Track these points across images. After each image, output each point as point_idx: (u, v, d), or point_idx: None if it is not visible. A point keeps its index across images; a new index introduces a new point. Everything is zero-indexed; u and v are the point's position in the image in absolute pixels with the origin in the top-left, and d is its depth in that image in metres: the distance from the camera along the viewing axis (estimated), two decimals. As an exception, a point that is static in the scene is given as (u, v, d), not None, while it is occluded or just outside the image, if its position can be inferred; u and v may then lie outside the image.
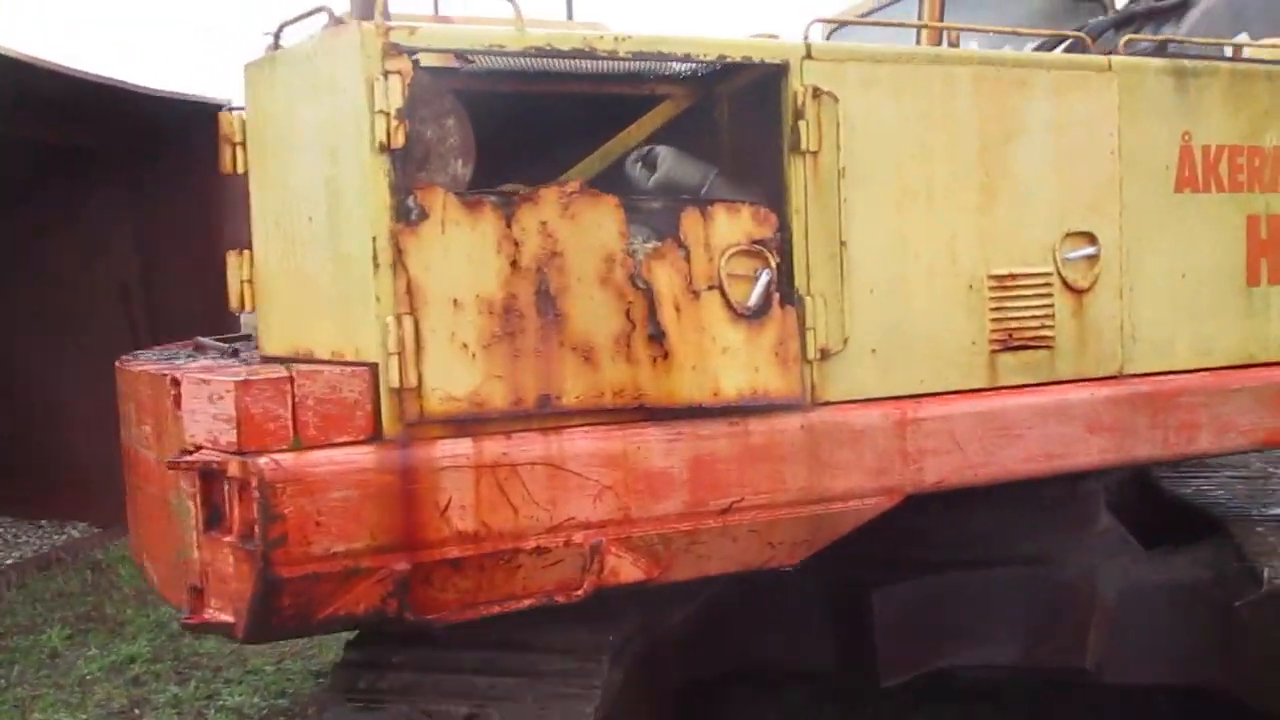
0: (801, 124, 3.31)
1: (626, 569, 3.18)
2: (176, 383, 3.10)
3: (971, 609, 4.33)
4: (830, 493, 3.38)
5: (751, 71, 3.40)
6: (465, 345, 2.98)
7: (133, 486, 3.76)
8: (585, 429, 3.11)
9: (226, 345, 4.03)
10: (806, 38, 3.39)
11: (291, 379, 2.88)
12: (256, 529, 2.80)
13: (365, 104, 2.91)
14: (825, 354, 3.37)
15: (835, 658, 4.44)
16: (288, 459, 2.84)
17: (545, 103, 3.65)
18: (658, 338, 3.13)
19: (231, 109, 4.77)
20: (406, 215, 2.94)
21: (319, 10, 3.12)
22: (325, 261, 3.09)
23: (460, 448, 2.97)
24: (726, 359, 3.22)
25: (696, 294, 3.20)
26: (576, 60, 3.23)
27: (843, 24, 5.82)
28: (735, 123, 3.74)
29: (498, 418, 3.03)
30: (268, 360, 3.33)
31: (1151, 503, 5.05)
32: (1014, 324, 3.63)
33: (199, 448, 3.00)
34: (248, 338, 5.02)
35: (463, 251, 2.98)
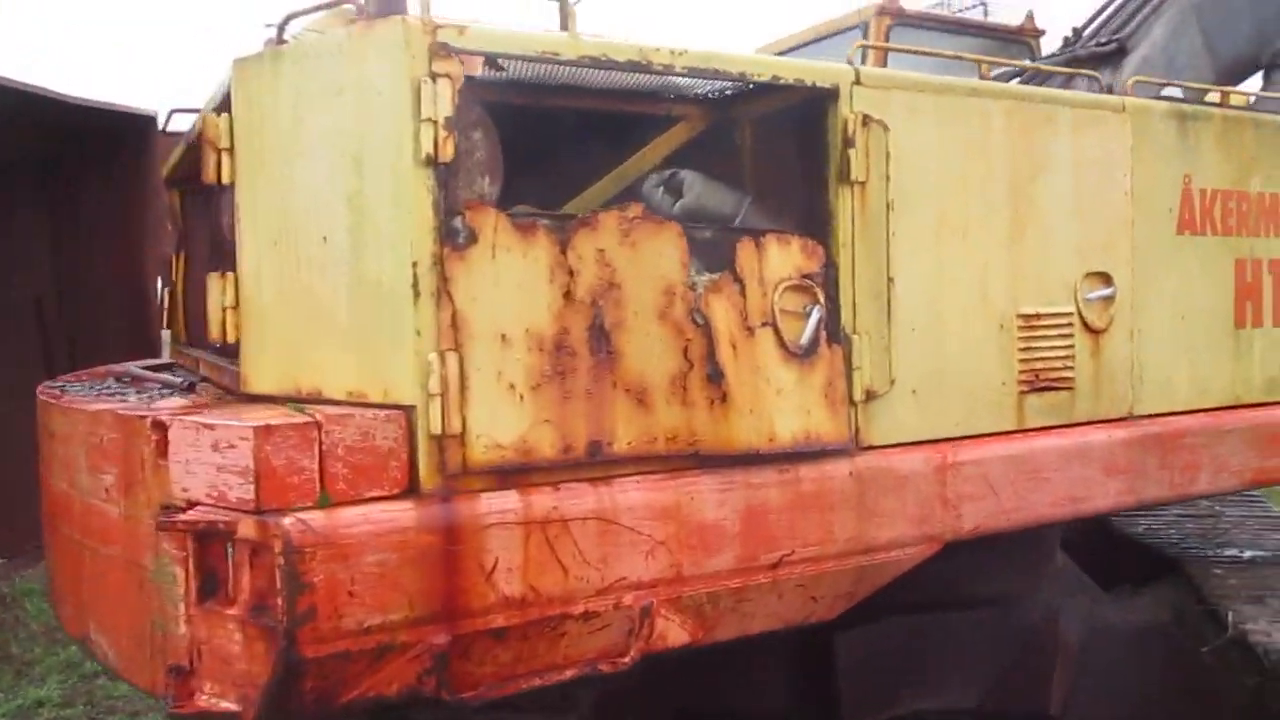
0: (851, 152, 3.03)
1: (674, 632, 2.81)
2: (161, 426, 2.56)
3: (935, 652, 4.13)
4: (876, 542, 3.10)
5: (794, 94, 3.10)
6: (513, 386, 2.56)
7: (69, 543, 3.15)
8: (636, 479, 2.73)
9: (179, 379, 3.46)
10: (853, 62, 3.12)
11: (319, 424, 2.40)
12: (279, 601, 2.30)
13: (408, 110, 2.47)
14: (870, 395, 3.09)
15: (796, 701, 4.17)
16: (317, 519, 2.35)
17: (547, 118, 3.26)
18: (715, 378, 2.78)
19: (171, 114, 4.20)
20: (453, 237, 2.51)
21: (340, 3, 2.66)
22: (344, 288, 2.61)
23: (508, 502, 2.55)
24: (780, 401, 2.90)
25: (751, 331, 2.87)
26: (629, 73, 2.86)
27: (893, 50, 5.53)
28: (760, 148, 3.44)
29: (546, 467, 2.61)
30: (255, 399, 2.81)
31: (1104, 541, 4.99)
32: (1040, 364, 3.45)
33: (193, 504, 2.47)
34: (171, 366, 4.40)
35: (513, 280, 2.57)
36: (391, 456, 2.47)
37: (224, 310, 2.87)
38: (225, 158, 2.84)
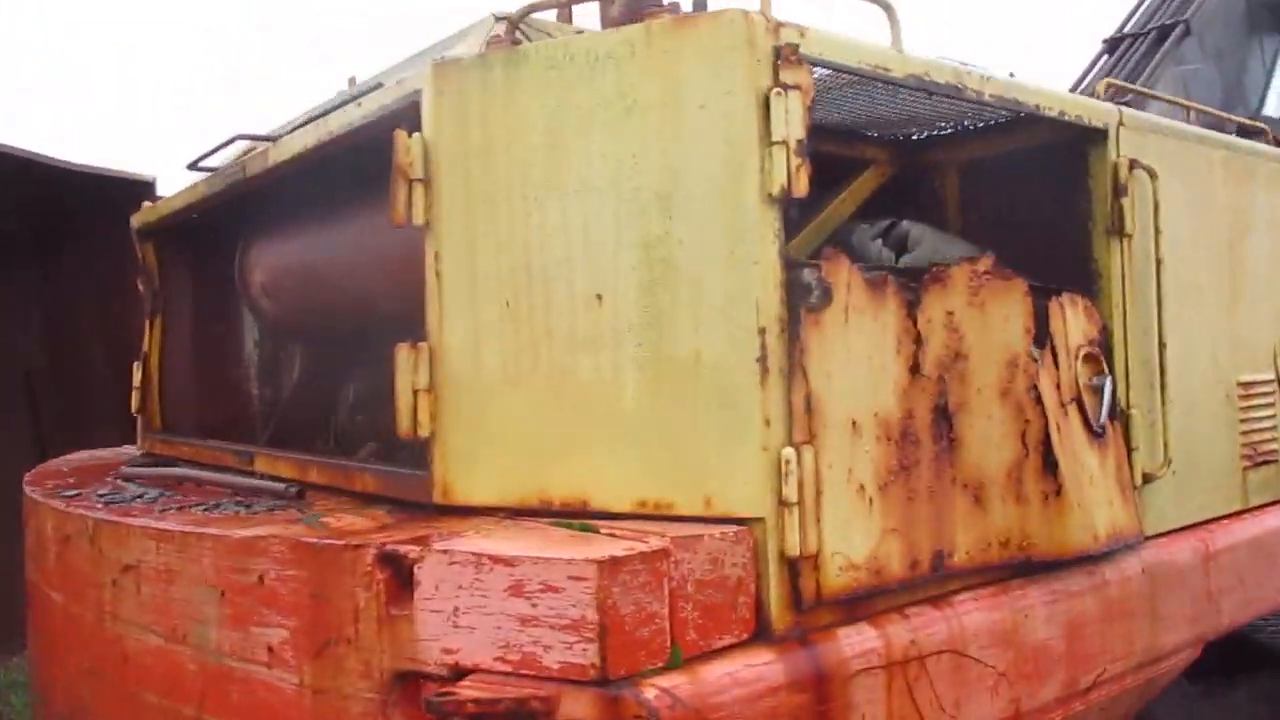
0: (1124, 202, 2.62)
1: (1004, 784, 2.25)
2: (396, 560, 1.81)
3: None
4: (1163, 650, 2.64)
5: (1053, 132, 2.67)
6: (862, 486, 1.97)
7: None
8: (971, 596, 2.17)
9: (281, 484, 2.60)
10: (1112, 99, 2.73)
11: (667, 553, 1.73)
12: (640, 810, 1.61)
13: (751, 130, 1.87)
14: (1147, 479, 2.66)
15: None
16: (680, 686, 1.67)
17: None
18: (1051, 467, 2.27)
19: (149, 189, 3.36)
20: (805, 296, 1.91)
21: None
22: (632, 363, 1.95)
23: (867, 640, 1.93)
24: (1093, 491, 2.42)
25: (1065, 409, 2.38)
26: (948, 97, 2.34)
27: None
28: (972, 195, 2.99)
29: (894, 590, 2.02)
30: (465, 513, 2.09)
31: None
32: (1256, 437, 3.12)
33: (465, 671, 1.74)
34: (158, 458, 3.47)
35: (864, 350, 1.98)
36: (740, 590, 1.82)
37: (415, 393, 2.13)
38: (418, 191, 2.13)
